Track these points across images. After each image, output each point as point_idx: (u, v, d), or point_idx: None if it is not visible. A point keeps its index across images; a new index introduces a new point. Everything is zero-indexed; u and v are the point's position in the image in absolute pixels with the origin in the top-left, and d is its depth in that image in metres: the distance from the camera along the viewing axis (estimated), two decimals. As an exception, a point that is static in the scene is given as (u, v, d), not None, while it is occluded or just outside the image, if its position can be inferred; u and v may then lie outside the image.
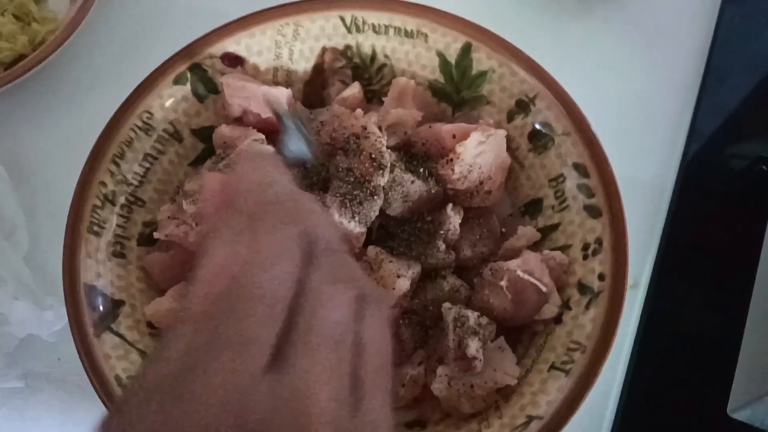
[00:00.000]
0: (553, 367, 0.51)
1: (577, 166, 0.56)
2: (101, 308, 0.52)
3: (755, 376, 0.59)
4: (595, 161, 0.55)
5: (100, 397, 0.49)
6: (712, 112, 0.72)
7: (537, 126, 0.58)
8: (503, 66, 0.59)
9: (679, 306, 0.63)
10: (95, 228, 0.54)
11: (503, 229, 0.59)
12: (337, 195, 0.53)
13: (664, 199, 0.66)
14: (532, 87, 0.58)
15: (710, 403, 0.59)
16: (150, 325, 0.54)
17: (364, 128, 0.56)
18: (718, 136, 0.71)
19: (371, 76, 0.63)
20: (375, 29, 0.61)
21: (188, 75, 0.58)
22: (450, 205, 0.56)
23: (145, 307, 0.53)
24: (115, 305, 0.53)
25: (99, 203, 0.54)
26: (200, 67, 0.58)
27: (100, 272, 0.53)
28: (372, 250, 0.53)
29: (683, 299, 0.63)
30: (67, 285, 0.52)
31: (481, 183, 0.57)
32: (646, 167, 0.68)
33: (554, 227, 0.57)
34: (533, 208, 0.59)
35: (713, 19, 0.76)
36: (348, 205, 0.53)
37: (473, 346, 0.50)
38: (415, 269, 0.53)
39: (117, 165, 0.55)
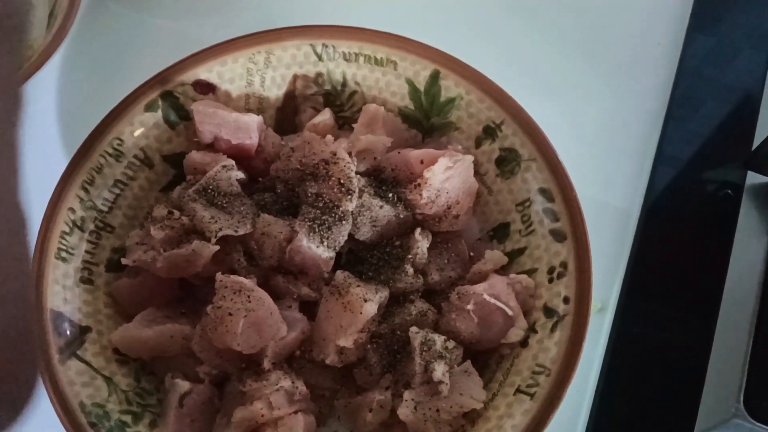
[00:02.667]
0: (518, 390, 0.51)
1: (542, 191, 0.57)
2: (67, 334, 0.52)
3: (722, 398, 0.59)
4: (560, 186, 0.56)
5: (63, 424, 0.49)
6: (683, 138, 0.74)
7: (503, 152, 0.59)
8: (471, 93, 0.60)
9: (646, 328, 0.63)
10: (63, 254, 0.54)
11: (471, 254, 0.59)
12: (306, 220, 0.54)
13: (632, 223, 0.67)
14: (499, 114, 0.59)
15: (678, 425, 0.60)
16: (117, 351, 0.53)
17: (334, 154, 0.56)
18: (686, 162, 0.73)
19: (342, 103, 0.64)
20: (346, 57, 0.62)
21: (160, 102, 0.59)
22: (418, 230, 0.57)
23: (112, 334, 0.53)
24: (82, 331, 0.53)
25: (67, 229, 0.54)
26: (172, 94, 0.59)
27: (67, 298, 0.53)
28: (340, 274, 0.54)
29: (651, 322, 0.64)
30: (33, 311, 0.51)
31: (449, 208, 0.58)
32: (614, 191, 0.69)
33: (521, 251, 0.57)
34: (501, 232, 0.59)
35: (678, 50, 0.78)
36: (317, 230, 0.53)
37: (440, 370, 0.51)
38: (383, 294, 0.54)
39: (86, 191, 0.55)
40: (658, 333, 0.63)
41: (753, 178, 0.70)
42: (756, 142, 0.71)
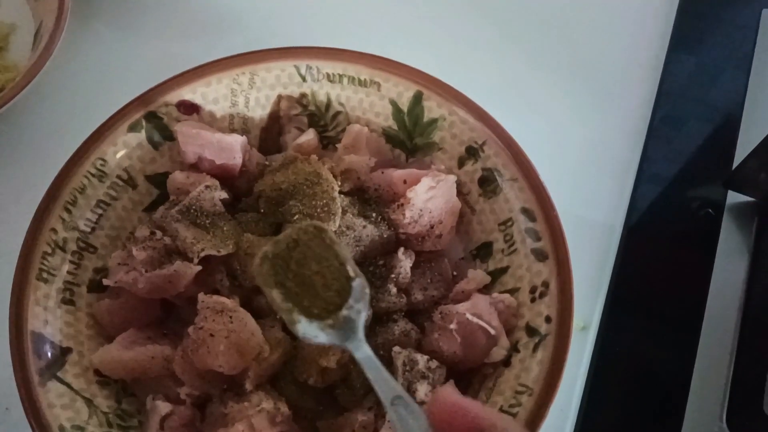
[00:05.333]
0: (501, 410, 0.51)
1: (524, 211, 0.57)
2: (48, 356, 0.52)
3: (705, 416, 0.59)
4: (542, 206, 0.56)
5: (42, 447, 0.48)
6: (665, 157, 0.75)
7: (486, 172, 0.59)
8: (453, 114, 0.60)
9: (629, 346, 0.63)
10: (45, 275, 0.53)
11: (455, 273, 0.60)
12: (289, 240, 0.53)
13: (614, 240, 0.68)
14: (481, 134, 0.59)
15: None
16: (98, 372, 0.53)
17: (318, 174, 0.57)
18: (668, 181, 0.74)
19: (326, 124, 0.64)
20: (330, 78, 0.62)
21: (143, 122, 0.59)
22: (401, 249, 0.57)
23: (93, 355, 0.52)
24: (63, 353, 0.52)
25: (49, 250, 0.54)
26: (156, 114, 0.59)
27: (48, 319, 0.53)
28: (323, 294, 0.54)
29: (634, 339, 0.64)
30: (13, 333, 0.51)
31: (432, 227, 0.58)
32: (596, 208, 0.70)
33: (503, 270, 0.58)
34: (484, 251, 0.60)
35: (660, 69, 0.79)
36: (300, 250, 0.53)
37: (422, 390, 0.51)
38: (366, 313, 0.54)
39: (69, 212, 0.55)
40: (640, 352, 0.63)
41: (734, 197, 0.70)
42: (736, 162, 0.72)
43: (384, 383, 0.38)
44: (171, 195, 0.58)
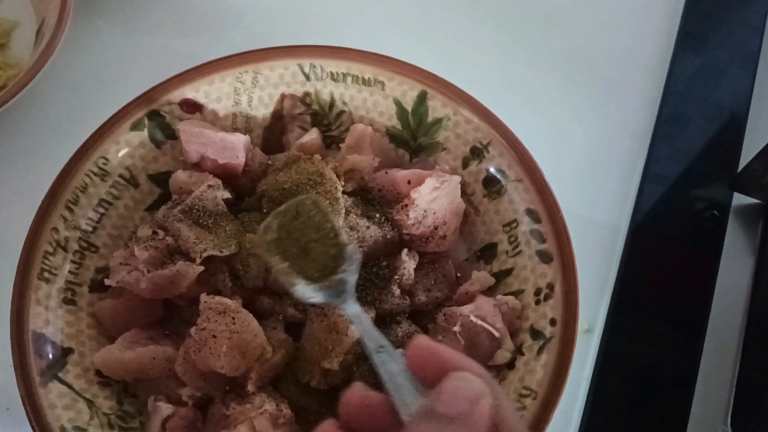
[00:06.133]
0: (505, 413, 0.50)
1: (529, 212, 0.57)
2: (49, 356, 0.51)
3: (709, 419, 0.59)
4: (547, 207, 0.56)
5: (43, 448, 0.48)
6: (670, 157, 0.74)
7: (491, 172, 0.59)
8: (457, 114, 0.60)
9: (634, 349, 0.63)
10: (46, 275, 0.53)
11: (458, 274, 0.59)
12: (292, 240, 0.53)
13: (619, 241, 0.68)
14: (486, 134, 0.59)
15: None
16: (99, 373, 0.53)
17: (321, 174, 0.56)
18: (674, 181, 0.73)
19: (330, 123, 0.64)
20: (333, 77, 0.62)
21: (146, 121, 0.58)
22: (405, 250, 0.57)
23: (94, 355, 0.52)
24: (64, 353, 0.52)
25: (51, 249, 0.54)
26: (158, 113, 0.59)
27: (50, 319, 0.52)
28: (326, 295, 0.53)
29: (638, 342, 0.63)
30: (15, 333, 0.51)
31: (435, 228, 0.58)
32: (601, 209, 0.69)
33: (508, 272, 0.57)
34: (488, 252, 0.59)
35: (665, 69, 0.79)
36: (303, 250, 0.53)
37: (426, 393, 0.50)
38: (369, 315, 0.53)
39: (70, 211, 0.55)
40: (645, 354, 0.63)
41: (739, 199, 0.70)
42: (742, 163, 0.71)
43: (370, 335, 0.42)
44: (173, 194, 0.58)
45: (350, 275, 0.48)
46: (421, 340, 0.37)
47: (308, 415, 0.53)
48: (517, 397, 0.51)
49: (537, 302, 0.54)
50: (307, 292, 0.47)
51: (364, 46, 0.61)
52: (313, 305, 0.53)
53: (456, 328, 0.53)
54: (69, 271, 0.54)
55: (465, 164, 0.60)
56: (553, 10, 0.82)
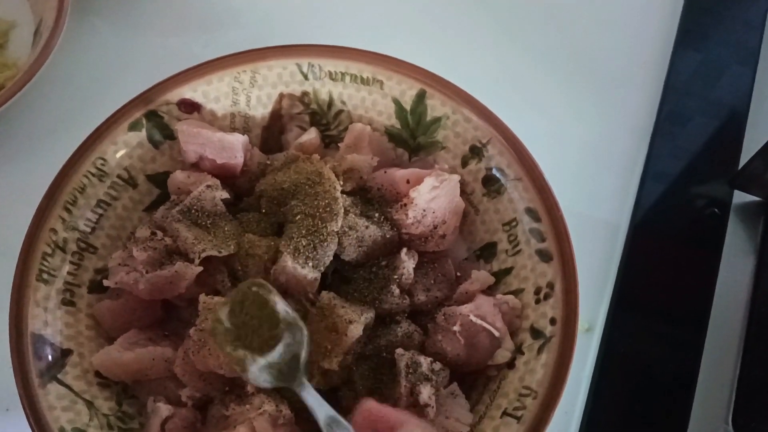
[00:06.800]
0: (505, 413, 0.50)
1: (529, 211, 0.57)
2: (49, 358, 0.51)
3: (710, 417, 0.59)
4: (546, 206, 0.56)
5: (43, 450, 0.48)
6: (671, 154, 0.74)
7: (490, 171, 0.59)
8: (457, 112, 0.60)
9: (635, 348, 0.63)
10: (45, 276, 0.53)
11: (458, 273, 0.59)
12: (291, 240, 0.53)
13: (619, 239, 0.67)
14: (485, 133, 0.59)
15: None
16: (98, 374, 0.53)
17: (320, 173, 0.56)
18: (674, 178, 0.73)
19: (329, 122, 0.64)
20: (332, 76, 0.62)
21: (144, 121, 0.58)
22: (404, 250, 0.56)
23: (93, 356, 0.52)
24: (63, 354, 0.52)
25: (49, 251, 0.54)
26: (156, 113, 0.59)
27: (48, 321, 0.52)
28: (325, 295, 0.53)
29: (639, 341, 0.63)
30: (13, 335, 0.51)
31: (435, 227, 0.58)
32: (601, 207, 0.69)
33: (507, 271, 0.57)
34: (488, 251, 0.59)
35: (665, 66, 0.78)
36: (302, 250, 0.53)
37: (425, 393, 0.50)
38: (369, 315, 0.53)
39: (69, 212, 0.55)
40: (646, 353, 0.63)
41: (740, 196, 0.70)
42: (742, 161, 0.71)
43: (321, 408, 0.45)
44: (172, 195, 0.58)
45: (301, 350, 0.48)
46: (368, 405, 0.39)
47: (308, 415, 0.53)
48: (517, 397, 0.50)
49: (537, 301, 0.54)
50: (261, 376, 0.47)
51: (362, 45, 0.61)
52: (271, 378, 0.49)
53: (456, 328, 0.53)
54: (68, 272, 0.54)
55: (464, 163, 0.60)
56: (552, 8, 0.82)
